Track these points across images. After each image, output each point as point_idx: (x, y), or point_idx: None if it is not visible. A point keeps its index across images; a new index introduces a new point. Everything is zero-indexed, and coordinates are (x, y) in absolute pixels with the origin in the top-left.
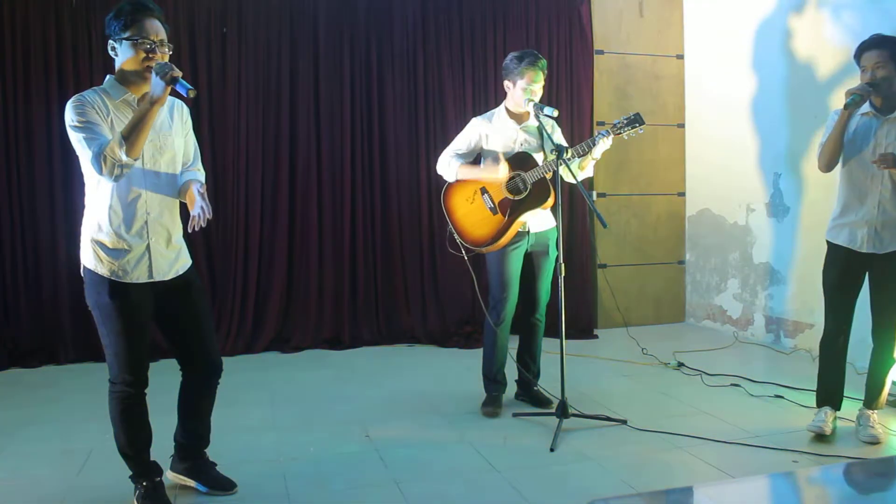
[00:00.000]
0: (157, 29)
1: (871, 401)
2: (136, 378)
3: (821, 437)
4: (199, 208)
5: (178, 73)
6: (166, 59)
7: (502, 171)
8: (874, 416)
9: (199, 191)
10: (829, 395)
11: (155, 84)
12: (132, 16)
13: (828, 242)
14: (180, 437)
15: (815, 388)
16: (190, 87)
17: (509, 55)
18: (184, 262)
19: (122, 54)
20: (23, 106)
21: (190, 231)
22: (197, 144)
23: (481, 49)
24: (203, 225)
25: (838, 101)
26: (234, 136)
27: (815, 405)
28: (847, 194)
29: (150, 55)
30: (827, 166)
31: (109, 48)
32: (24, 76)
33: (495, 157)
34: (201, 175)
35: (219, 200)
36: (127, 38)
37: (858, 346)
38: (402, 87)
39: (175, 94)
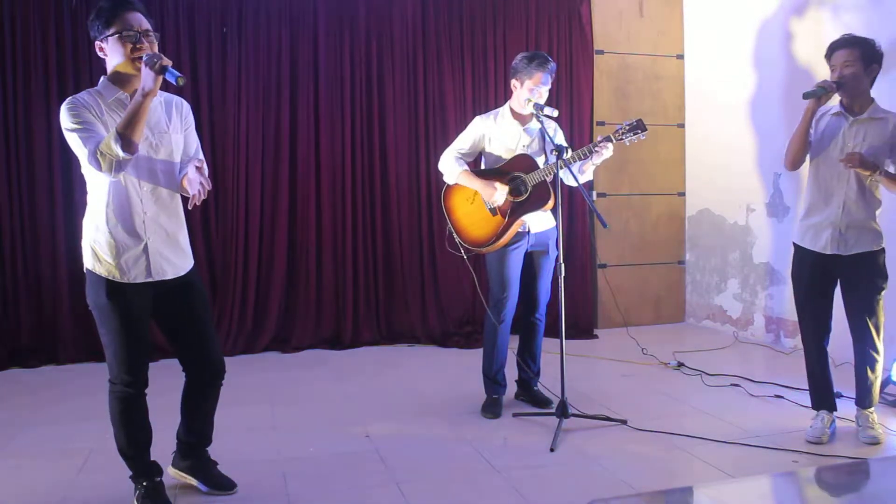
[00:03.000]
0: (139, 20)
1: (863, 399)
2: (136, 378)
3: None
4: (199, 184)
5: (166, 61)
6: (155, 48)
7: (499, 199)
8: (873, 416)
9: (196, 166)
10: (822, 397)
11: (145, 75)
12: (112, 11)
13: (794, 245)
14: (183, 435)
15: (799, 387)
16: (179, 74)
17: (519, 55)
18: (185, 263)
19: (111, 53)
20: (23, 106)
21: (190, 208)
22: (199, 142)
23: (481, 49)
24: (204, 197)
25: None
26: (234, 136)
27: (814, 408)
28: (813, 195)
29: (138, 45)
30: (793, 163)
31: (97, 49)
32: (24, 76)
33: (501, 181)
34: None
35: (219, 200)
36: (111, 35)
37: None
38: (402, 87)
39: (165, 83)
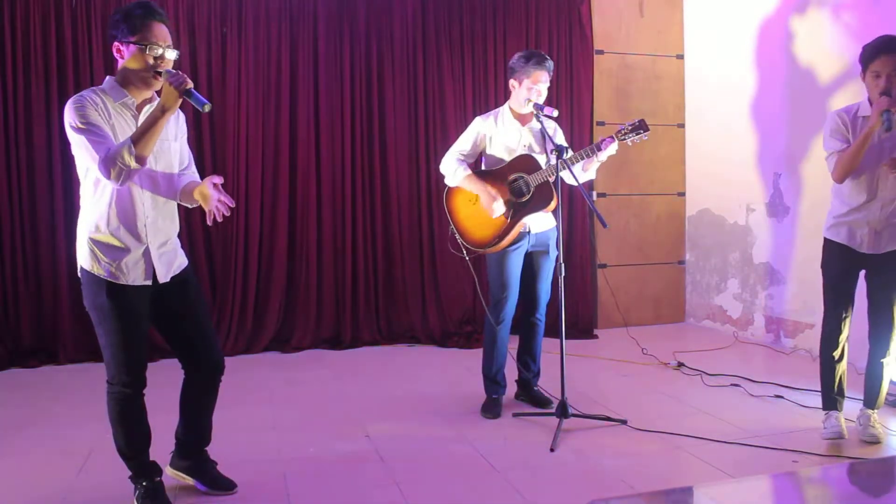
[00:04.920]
0: (165, 34)
1: (871, 401)
2: (134, 379)
3: (838, 442)
4: (216, 201)
5: (190, 84)
6: (171, 63)
7: (496, 212)
8: (874, 415)
9: (213, 182)
10: (831, 396)
11: (168, 93)
12: (142, 20)
13: (826, 240)
14: (181, 434)
15: (814, 388)
16: (205, 101)
17: (516, 55)
18: (180, 262)
19: (129, 57)
20: (23, 106)
21: (210, 223)
22: (190, 151)
23: (481, 49)
24: (227, 214)
25: (838, 101)
26: (234, 136)
27: (819, 406)
28: (850, 194)
29: (159, 61)
30: (843, 178)
31: (114, 50)
32: (24, 76)
33: (496, 199)
34: (197, 178)
35: None
36: (135, 43)
37: (858, 346)
38: (402, 87)
39: (185, 104)
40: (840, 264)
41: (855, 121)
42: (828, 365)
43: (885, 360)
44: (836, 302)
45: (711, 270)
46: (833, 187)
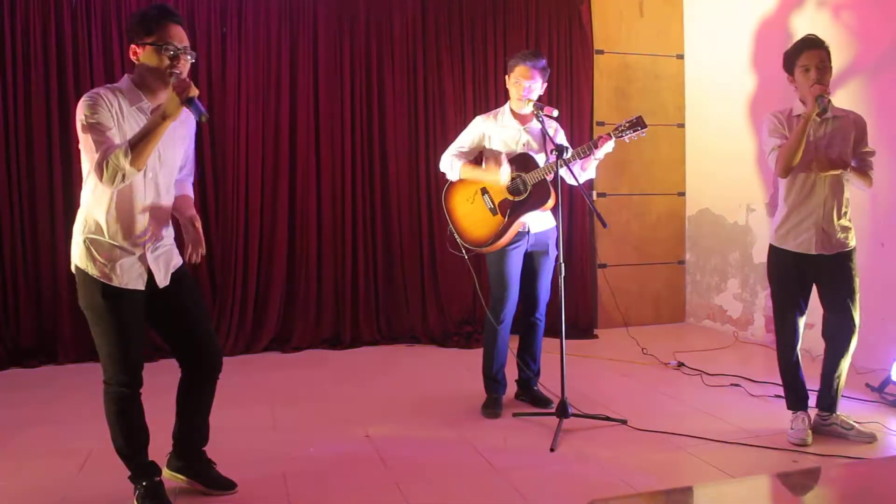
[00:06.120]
0: (181, 35)
1: (829, 404)
2: (131, 378)
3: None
4: (192, 242)
5: (194, 91)
6: (188, 66)
7: (504, 176)
8: (846, 415)
9: (194, 224)
10: (799, 397)
11: (171, 100)
12: (158, 21)
13: (773, 248)
14: (178, 435)
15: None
16: (204, 112)
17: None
18: (175, 261)
19: (145, 59)
20: (23, 106)
21: (189, 261)
22: (194, 155)
23: (481, 49)
24: (197, 260)
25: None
26: (234, 136)
27: (792, 409)
28: (791, 197)
29: (174, 62)
30: (786, 172)
31: (131, 52)
32: (24, 76)
33: (497, 159)
34: (190, 182)
35: (219, 200)
36: (151, 44)
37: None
38: (402, 86)
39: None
40: (789, 272)
41: (790, 120)
42: (790, 370)
43: (843, 367)
44: (790, 310)
45: (711, 270)
46: (780, 193)
